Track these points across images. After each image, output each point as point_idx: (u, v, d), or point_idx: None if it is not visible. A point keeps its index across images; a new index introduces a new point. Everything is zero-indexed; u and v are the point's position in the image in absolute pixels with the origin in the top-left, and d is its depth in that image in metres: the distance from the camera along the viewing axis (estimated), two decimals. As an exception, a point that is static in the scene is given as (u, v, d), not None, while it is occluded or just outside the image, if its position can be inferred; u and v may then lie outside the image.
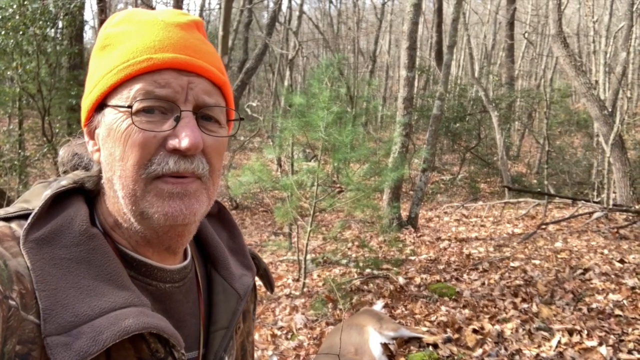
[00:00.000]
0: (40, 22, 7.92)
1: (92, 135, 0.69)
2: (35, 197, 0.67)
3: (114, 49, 0.66)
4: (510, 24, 16.19)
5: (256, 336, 3.95)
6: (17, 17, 7.50)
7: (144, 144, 0.62)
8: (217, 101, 0.68)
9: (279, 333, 4.04)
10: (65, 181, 0.68)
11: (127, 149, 0.62)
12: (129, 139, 0.62)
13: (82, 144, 0.73)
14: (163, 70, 0.63)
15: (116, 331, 0.56)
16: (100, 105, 0.66)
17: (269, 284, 0.94)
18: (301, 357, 3.63)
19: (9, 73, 8.33)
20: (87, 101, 0.68)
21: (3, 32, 7.53)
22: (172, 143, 0.62)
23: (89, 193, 0.70)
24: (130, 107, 0.62)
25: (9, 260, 0.56)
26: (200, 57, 0.66)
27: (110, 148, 0.64)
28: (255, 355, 3.60)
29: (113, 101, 0.65)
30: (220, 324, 0.75)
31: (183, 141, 0.61)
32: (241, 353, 0.84)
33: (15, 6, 7.45)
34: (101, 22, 10.07)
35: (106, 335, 0.55)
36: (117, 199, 0.65)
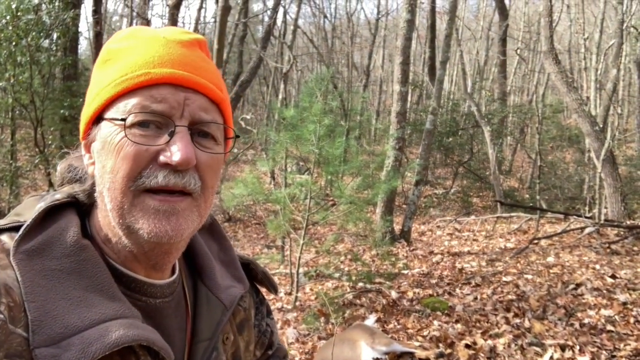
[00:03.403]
0: (34, 34, 7.92)
1: (88, 149, 0.69)
2: (27, 211, 0.66)
3: (114, 63, 0.66)
4: (503, 40, 16.38)
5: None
6: (11, 28, 7.50)
7: (135, 156, 0.61)
8: (214, 118, 0.67)
9: (270, 347, 3.99)
10: (59, 195, 0.68)
11: (118, 161, 0.62)
12: (121, 151, 0.61)
13: (79, 156, 0.72)
14: (160, 85, 0.63)
15: (106, 343, 0.55)
16: (97, 118, 0.66)
17: (272, 286, 0.93)
18: (292, 372, 3.60)
19: (1, 84, 8.29)
20: (85, 114, 0.68)
21: (-4, 43, 7.52)
22: (164, 157, 0.61)
23: (82, 207, 0.69)
24: (124, 120, 0.62)
25: None
26: (198, 74, 0.66)
27: (103, 161, 0.64)
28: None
29: (109, 114, 0.64)
30: (203, 336, 0.74)
31: (174, 155, 0.61)
32: None
33: (9, 17, 7.44)
34: (96, 34, 10.08)
35: (95, 347, 0.54)
36: (107, 212, 0.64)
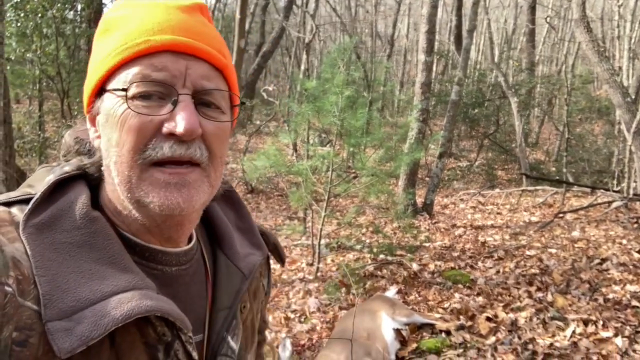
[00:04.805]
0: (59, 5, 7.98)
1: (93, 122, 0.68)
2: (38, 182, 0.66)
3: (113, 32, 0.65)
4: (532, 8, 15.83)
5: (270, 318, 3.98)
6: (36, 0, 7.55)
7: (139, 128, 0.60)
8: (217, 85, 0.65)
9: (292, 316, 4.07)
10: (68, 167, 0.67)
11: (123, 134, 0.61)
12: (125, 123, 0.60)
13: (86, 129, 0.71)
14: (161, 53, 0.61)
15: (118, 315, 0.55)
16: (100, 90, 0.65)
17: (280, 258, 0.93)
18: (314, 341, 3.66)
19: (28, 55, 8.42)
20: (87, 87, 0.67)
21: (22, 15, 7.60)
22: (168, 127, 0.60)
23: (92, 180, 0.69)
24: (125, 90, 0.61)
25: (5, 246, 0.55)
26: (200, 40, 0.64)
27: (108, 134, 0.63)
28: (269, 337, 3.64)
29: (110, 85, 0.63)
30: (223, 304, 0.74)
31: (179, 125, 0.59)
32: (250, 331, 0.83)
33: (34, -12, 7.50)
34: (119, 5, 10.08)
35: (108, 320, 0.54)
36: (115, 186, 0.64)
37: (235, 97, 0.70)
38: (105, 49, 0.64)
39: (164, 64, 0.61)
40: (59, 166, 0.69)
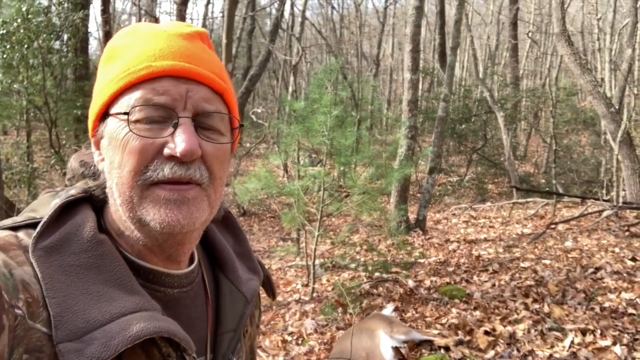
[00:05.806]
0: (45, 35, 8.01)
1: (98, 146, 0.70)
2: (42, 207, 0.67)
3: (117, 59, 0.67)
4: (514, 24, 16.14)
5: (267, 342, 3.93)
6: (22, 31, 7.58)
7: (141, 150, 0.62)
8: (217, 108, 0.67)
9: (289, 339, 4.02)
10: (74, 190, 0.69)
11: (125, 156, 0.62)
12: (127, 145, 0.62)
13: (90, 153, 0.73)
14: (162, 78, 0.64)
15: (127, 336, 0.56)
16: (104, 115, 0.67)
17: (271, 292, 0.93)
18: (312, 363, 3.61)
19: (15, 86, 8.42)
20: (91, 112, 0.69)
21: (8, 46, 7.62)
22: (168, 149, 0.62)
23: (97, 202, 0.70)
24: (127, 113, 0.63)
25: (14, 269, 0.56)
26: (200, 65, 0.66)
27: (110, 156, 0.65)
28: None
29: (114, 109, 0.65)
30: (228, 327, 0.75)
31: (179, 147, 0.61)
32: (250, 357, 0.83)
33: (19, 20, 7.53)
34: (105, 34, 10.14)
35: (117, 341, 0.55)
36: (117, 207, 0.65)
37: (235, 120, 0.72)
38: (109, 75, 0.67)
39: (165, 88, 0.63)
40: (63, 190, 0.70)
